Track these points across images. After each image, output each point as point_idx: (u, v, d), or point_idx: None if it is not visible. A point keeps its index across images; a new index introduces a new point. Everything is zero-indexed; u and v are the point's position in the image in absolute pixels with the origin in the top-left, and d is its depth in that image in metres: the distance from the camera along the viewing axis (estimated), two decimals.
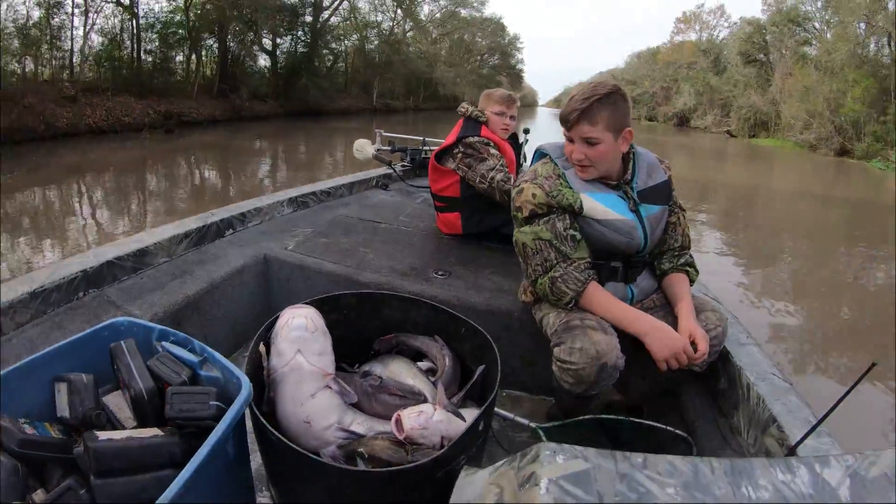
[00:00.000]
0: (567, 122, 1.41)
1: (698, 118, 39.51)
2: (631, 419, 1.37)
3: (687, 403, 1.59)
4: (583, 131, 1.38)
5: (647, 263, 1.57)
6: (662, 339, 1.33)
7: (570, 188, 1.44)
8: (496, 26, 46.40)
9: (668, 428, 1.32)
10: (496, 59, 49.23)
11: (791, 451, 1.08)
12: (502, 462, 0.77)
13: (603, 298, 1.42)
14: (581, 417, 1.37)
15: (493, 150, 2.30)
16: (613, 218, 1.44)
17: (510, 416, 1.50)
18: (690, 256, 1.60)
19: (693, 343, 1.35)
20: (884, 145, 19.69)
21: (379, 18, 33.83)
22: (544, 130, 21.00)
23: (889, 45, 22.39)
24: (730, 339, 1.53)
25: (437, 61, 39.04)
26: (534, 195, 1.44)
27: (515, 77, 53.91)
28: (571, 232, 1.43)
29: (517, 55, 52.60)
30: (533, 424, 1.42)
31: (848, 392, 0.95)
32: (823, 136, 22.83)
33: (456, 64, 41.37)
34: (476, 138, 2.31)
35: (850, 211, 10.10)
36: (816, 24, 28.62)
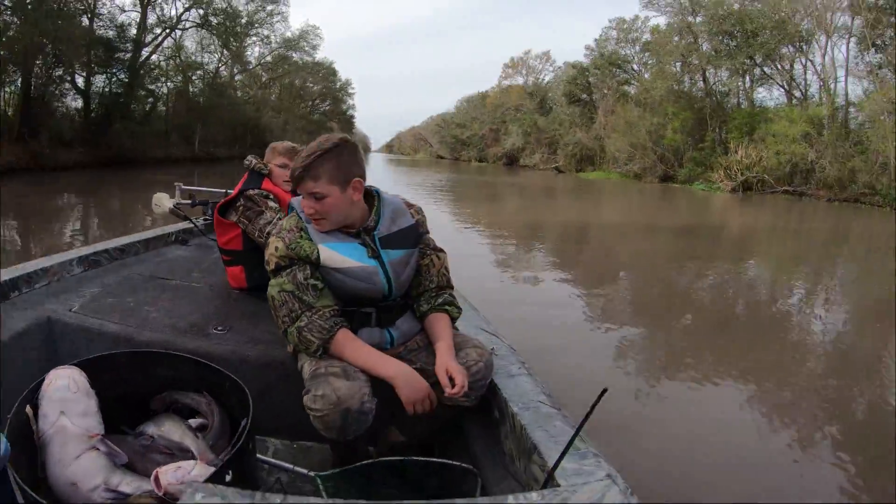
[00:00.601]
0: (293, 179, 1.48)
1: (527, 157, 42.35)
2: (413, 458, 1.38)
3: (470, 437, 1.60)
4: (308, 187, 1.45)
5: (406, 306, 1.63)
6: (408, 384, 1.39)
7: (310, 240, 1.48)
8: (327, 71, 46.32)
9: (454, 462, 1.34)
10: (327, 104, 49.06)
11: (549, 477, 1.10)
12: None
13: (353, 345, 1.45)
14: (363, 462, 1.36)
15: (271, 203, 2.33)
16: (351, 265, 1.48)
17: (290, 466, 1.53)
18: (451, 295, 1.65)
19: (452, 379, 1.38)
20: (704, 169, 22.55)
21: (205, 59, 31.88)
22: (376, 176, 20.50)
23: (703, 79, 26.03)
24: (501, 371, 1.60)
25: (266, 106, 37.84)
26: (276, 248, 1.48)
27: (347, 122, 54.07)
28: (312, 281, 1.45)
29: (349, 100, 52.97)
30: (311, 473, 1.44)
31: (585, 419, 1.05)
32: (647, 165, 25.74)
33: (286, 109, 40.48)
34: (256, 191, 2.34)
35: (681, 231, 11.21)
36: (635, 66, 32.70)
